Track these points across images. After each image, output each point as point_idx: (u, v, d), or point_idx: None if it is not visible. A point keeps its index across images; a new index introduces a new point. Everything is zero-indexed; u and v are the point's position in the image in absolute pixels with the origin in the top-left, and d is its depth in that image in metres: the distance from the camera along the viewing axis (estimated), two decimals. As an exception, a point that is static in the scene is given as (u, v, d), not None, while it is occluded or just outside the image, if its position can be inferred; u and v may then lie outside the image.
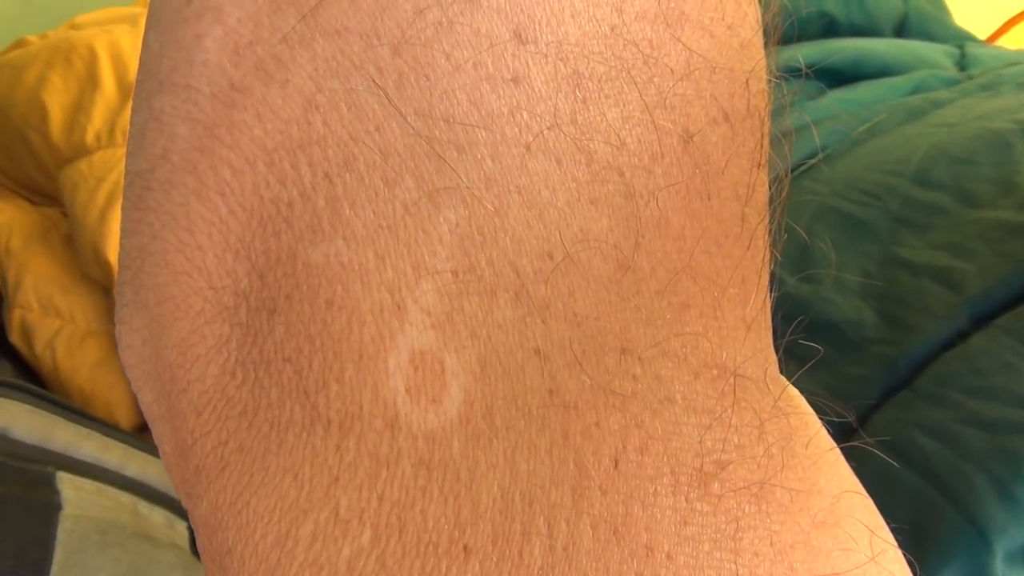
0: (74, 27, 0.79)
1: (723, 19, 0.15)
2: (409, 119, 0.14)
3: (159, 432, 0.16)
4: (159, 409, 0.16)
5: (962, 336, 0.43)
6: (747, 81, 0.16)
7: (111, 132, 0.68)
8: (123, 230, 0.16)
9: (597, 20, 0.14)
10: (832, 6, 0.72)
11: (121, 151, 0.67)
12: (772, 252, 0.17)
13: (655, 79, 0.14)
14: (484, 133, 0.14)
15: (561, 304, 0.14)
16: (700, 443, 0.14)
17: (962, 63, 0.64)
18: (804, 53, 0.61)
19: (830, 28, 0.72)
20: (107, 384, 0.65)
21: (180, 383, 0.15)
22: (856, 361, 0.44)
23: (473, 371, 0.14)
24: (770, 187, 0.16)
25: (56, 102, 0.68)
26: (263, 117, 0.14)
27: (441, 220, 0.14)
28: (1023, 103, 0.52)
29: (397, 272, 0.14)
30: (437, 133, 0.14)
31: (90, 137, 0.68)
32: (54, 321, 0.66)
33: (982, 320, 0.43)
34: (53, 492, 0.45)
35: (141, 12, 0.79)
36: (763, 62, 0.16)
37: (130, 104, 0.67)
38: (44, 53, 0.71)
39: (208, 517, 0.15)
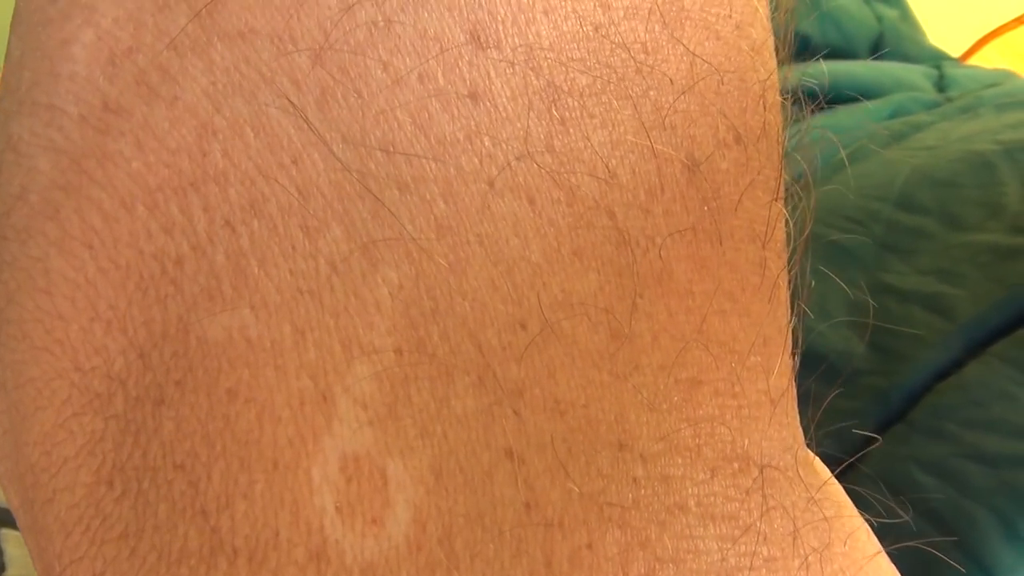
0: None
1: (730, 16, 0.12)
2: (335, 148, 0.11)
3: (29, 548, 0.13)
4: (24, 518, 0.12)
5: (956, 365, 0.41)
6: (761, 93, 0.13)
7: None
8: None
9: (578, 17, 0.11)
10: (806, 26, 0.72)
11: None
12: (796, 303, 0.14)
13: (651, 92, 0.12)
14: (434, 166, 0.11)
15: (539, 389, 0.11)
16: (722, 561, 0.11)
17: (940, 84, 0.64)
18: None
19: (804, 48, 0.71)
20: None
21: (44, 491, 0.12)
22: (847, 394, 0.43)
23: (425, 481, 0.11)
24: (788, 222, 0.14)
25: None
26: (144, 146, 0.11)
27: (380, 281, 0.11)
28: (1004, 125, 0.51)
29: (322, 351, 0.11)
30: (372, 167, 0.11)
31: None
32: None
33: (976, 348, 0.41)
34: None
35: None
36: (776, 70, 0.13)
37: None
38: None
39: None
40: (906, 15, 0.73)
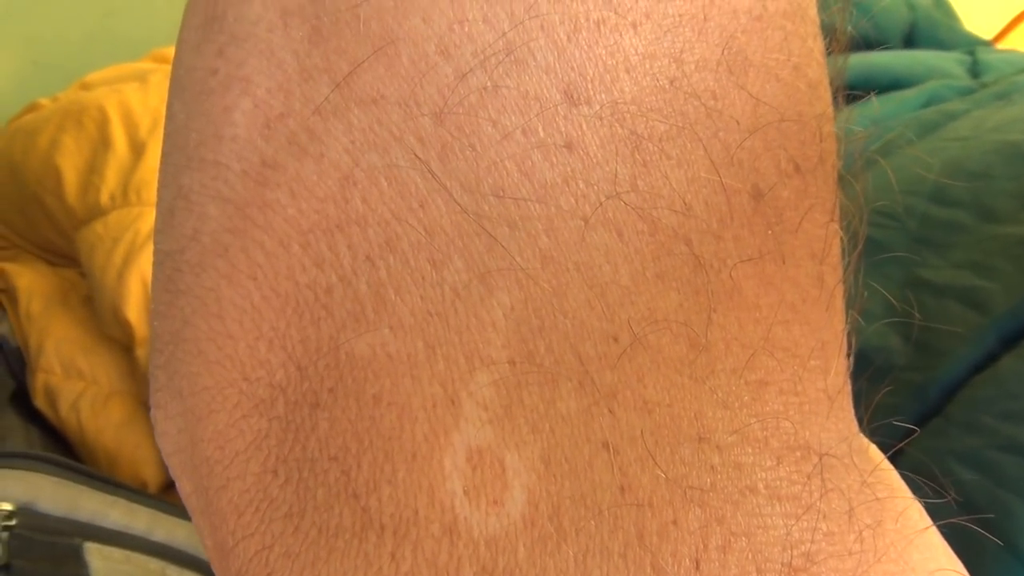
0: (84, 86, 0.80)
1: (789, 60, 0.14)
2: (455, 194, 0.13)
3: (198, 525, 0.15)
4: (197, 503, 0.15)
5: (991, 358, 0.42)
6: (818, 126, 0.14)
7: (124, 192, 0.68)
8: (154, 311, 0.15)
9: (655, 74, 0.13)
10: (838, 17, 0.71)
11: (136, 210, 0.68)
12: (849, 312, 0.15)
13: (720, 133, 0.13)
14: (537, 206, 0.13)
15: (630, 391, 0.13)
16: (787, 535, 0.13)
17: (975, 70, 0.63)
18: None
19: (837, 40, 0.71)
20: (133, 443, 0.65)
21: (219, 479, 0.14)
22: (884, 390, 0.43)
23: (536, 469, 0.13)
24: (843, 238, 0.15)
25: (70, 164, 0.69)
26: (297, 195, 0.13)
27: (495, 304, 0.13)
28: (1039, 112, 0.51)
29: (449, 363, 0.13)
30: (486, 208, 0.13)
31: (104, 198, 0.68)
32: (77, 383, 0.67)
33: (1011, 340, 0.42)
34: (81, 565, 0.45)
35: (150, 68, 0.80)
36: (831, 103, 0.15)
37: (142, 162, 0.68)
38: (56, 116, 0.72)
39: None
40: (939, 1, 0.73)
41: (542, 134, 0.13)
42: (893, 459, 0.39)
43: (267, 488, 0.14)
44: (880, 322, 0.45)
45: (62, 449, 0.65)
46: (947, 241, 0.46)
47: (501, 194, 0.13)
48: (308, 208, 0.13)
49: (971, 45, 0.70)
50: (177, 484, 0.15)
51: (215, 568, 0.15)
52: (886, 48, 0.68)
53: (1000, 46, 0.87)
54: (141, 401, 0.67)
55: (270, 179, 0.14)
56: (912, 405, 0.42)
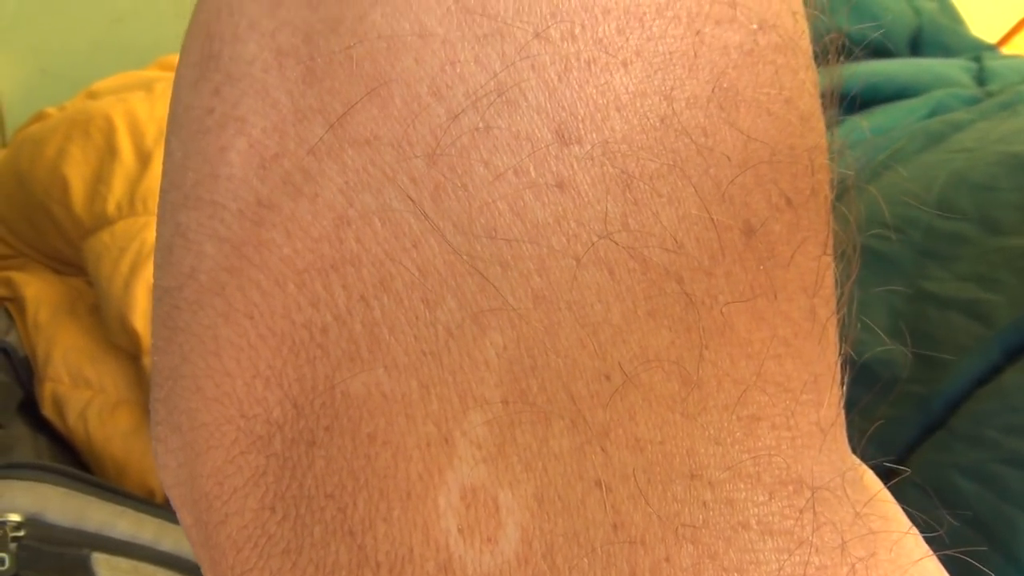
0: (91, 95, 0.80)
1: (780, 94, 0.14)
2: (448, 235, 0.13)
3: (199, 557, 0.15)
4: (198, 536, 0.15)
5: (996, 371, 0.42)
6: (810, 159, 0.14)
7: (131, 201, 0.69)
8: (154, 346, 0.16)
9: (645, 112, 0.13)
10: (843, 21, 0.71)
11: (142, 219, 0.68)
12: (842, 344, 0.15)
13: (711, 170, 0.13)
14: (529, 246, 0.13)
15: (622, 429, 0.13)
16: (780, 570, 0.13)
17: (980, 77, 0.63)
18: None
19: (841, 45, 0.71)
20: (140, 452, 0.65)
21: (217, 515, 0.14)
22: (889, 402, 0.43)
23: (530, 507, 0.13)
24: (836, 270, 0.15)
25: (77, 174, 0.69)
26: (292, 235, 0.13)
27: (488, 344, 0.13)
28: (1044, 122, 0.51)
29: (443, 402, 0.13)
30: (479, 249, 0.13)
31: (111, 207, 0.69)
32: (84, 392, 0.67)
33: (1015, 353, 0.42)
34: (89, 575, 0.45)
35: (156, 76, 0.80)
36: (824, 133, 0.15)
37: (148, 171, 0.68)
38: (63, 126, 0.72)
39: None
40: (945, 6, 0.72)
41: (534, 174, 0.13)
42: (897, 472, 0.39)
43: (265, 524, 0.14)
44: (884, 335, 0.45)
45: (70, 458, 0.65)
46: (952, 253, 0.46)
47: (493, 234, 0.13)
48: (303, 248, 0.13)
49: (977, 50, 0.70)
50: (179, 516, 0.16)
51: None
52: (892, 54, 0.68)
53: (1006, 49, 0.87)
54: (148, 409, 0.67)
55: (266, 219, 0.14)
56: (916, 418, 0.42)
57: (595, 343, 0.13)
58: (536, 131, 0.13)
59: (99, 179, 0.69)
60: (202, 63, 0.15)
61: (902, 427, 0.42)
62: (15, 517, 0.46)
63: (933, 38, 0.71)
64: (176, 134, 0.15)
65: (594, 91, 0.13)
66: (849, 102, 0.60)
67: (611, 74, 0.13)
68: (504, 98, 0.13)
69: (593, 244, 0.13)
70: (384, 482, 0.13)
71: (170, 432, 0.15)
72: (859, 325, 0.46)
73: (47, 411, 0.67)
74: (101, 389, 0.67)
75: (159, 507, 0.54)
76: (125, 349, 0.68)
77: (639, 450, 0.13)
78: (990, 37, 0.76)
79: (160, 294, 0.15)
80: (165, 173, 0.15)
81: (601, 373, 0.13)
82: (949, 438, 0.41)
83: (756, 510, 0.13)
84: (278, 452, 0.14)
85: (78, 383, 0.67)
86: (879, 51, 0.70)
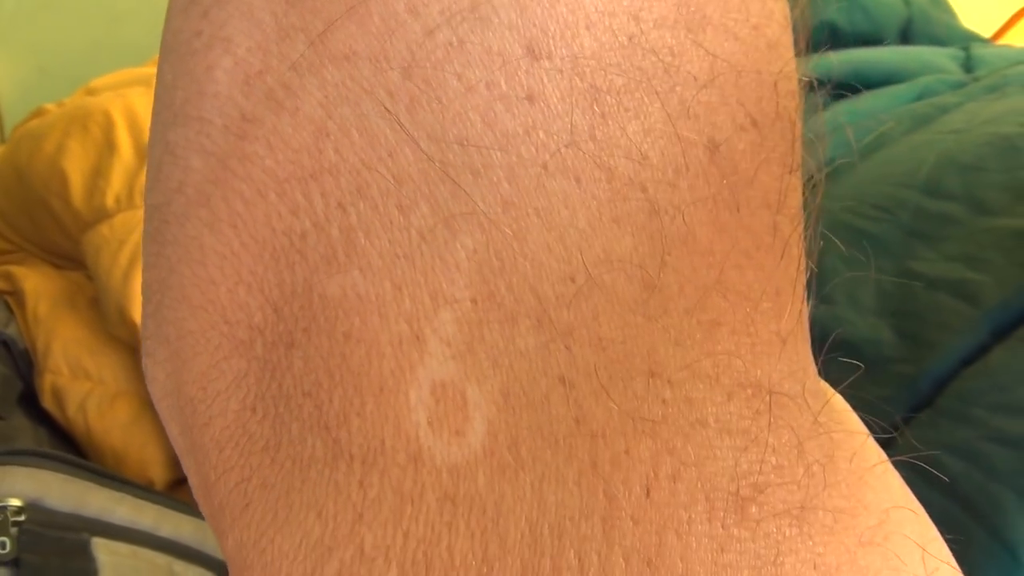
0: (90, 92, 0.81)
1: (748, 20, 0.15)
2: (422, 144, 0.13)
3: (186, 465, 0.16)
4: (183, 443, 0.16)
5: (982, 350, 0.42)
6: (775, 83, 0.15)
7: (130, 194, 0.69)
8: (144, 263, 0.16)
9: (614, 30, 0.14)
10: (834, 14, 0.71)
11: (141, 212, 0.68)
12: (808, 261, 0.16)
13: (677, 88, 0.14)
14: (499, 155, 0.13)
15: (585, 329, 0.14)
16: (735, 466, 0.14)
17: (968, 65, 0.63)
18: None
19: (833, 37, 0.71)
20: (139, 443, 0.66)
21: (202, 418, 0.15)
22: (876, 381, 0.44)
23: (496, 401, 0.13)
24: (803, 191, 0.16)
25: (75, 168, 0.70)
26: (274, 147, 0.14)
27: (458, 246, 0.13)
28: (1031, 104, 0.51)
29: (415, 302, 0.13)
30: (451, 157, 0.13)
31: (110, 200, 0.69)
32: (84, 384, 0.67)
33: (1002, 333, 0.42)
34: (89, 559, 0.46)
35: (155, 73, 0.80)
36: (792, 61, 0.16)
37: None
38: (61, 121, 0.73)
39: (234, 555, 0.14)
40: (936, -3, 0.73)
41: (504, 87, 0.13)
42: (884, 449, 0.40)
43: (246, 424, 0.14)
44: (871, 312, 0.45)
45: (70, 449, 0.66)
46: (939, 234, 0.46)
47: (465, 143, 0.13)
48: (284, 159, 0.14)
49: (967, 41, 0.70)
50: (166, 428, 0.16)
51: (201, 505, 0.16)
52: (881, 44, 0.69)
53: (999, 44, 0.87)
54: (147, 401, 0.67)
55: (249, 132, 0.14)
56: (903, 397, 0.42)
57: (561, 247, 0.14)
58: (507, 46, 0.13)
59: (98, 173, 0.70)
60: None
61: (890, 406, 0.42)
62: (16, 502, 0.47)
63: (923, 29, 0.72)
64: (167, 58, 0.16)
65: (564, 9, 0.14)
66: (836, 88, 0.60)
67: None
68: (477, 14, 0.13)
69: (560, 152, 0.14)
70: (358, 378, 0.14)
71: (159, 344, 0.16)
72: (847, 304, 0.46)
73: (47, 403, 0.68)
74: (100, 381, 0.68)
75: (158, 494, 0.55)
76: (124, 341, 0.69)
77: (601, 349, 0.14)
78: (983, 32, 0.76)
79: (150, 212, 0.16)
80: (157, 96, 0.16)
81: (566, 275, 0.14)
82: (936, 417, 0.41)
83: (714, 409, 0.14)
84: (259, 355, 0.14)
85: (77, 375, 0.68)
86: (869, 42, 0.70)
